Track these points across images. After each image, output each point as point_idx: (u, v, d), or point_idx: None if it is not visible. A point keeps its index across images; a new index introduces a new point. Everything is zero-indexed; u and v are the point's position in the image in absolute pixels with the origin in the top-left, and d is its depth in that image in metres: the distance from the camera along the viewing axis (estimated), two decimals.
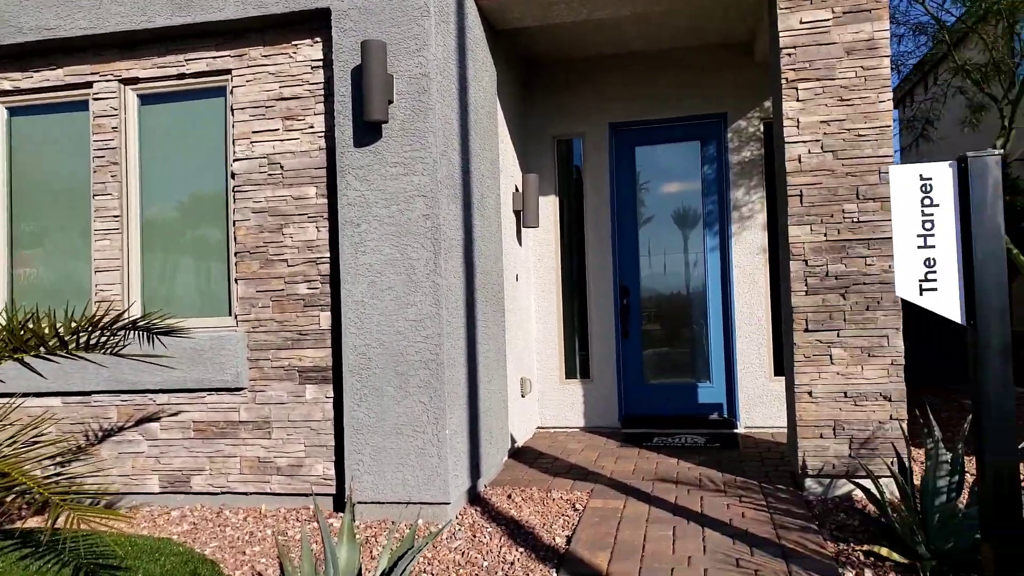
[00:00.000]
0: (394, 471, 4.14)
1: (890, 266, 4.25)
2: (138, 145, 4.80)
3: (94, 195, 4.77)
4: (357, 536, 3.89)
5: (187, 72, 4.65)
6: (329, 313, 4.42)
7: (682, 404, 6.40)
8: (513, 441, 5.65)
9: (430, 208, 4.11)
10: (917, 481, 4.13)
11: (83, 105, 4.85)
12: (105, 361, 4.45)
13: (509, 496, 4.55)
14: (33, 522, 4.44)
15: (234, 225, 4.56)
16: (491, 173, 5.15)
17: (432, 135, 4.11)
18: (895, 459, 4.16)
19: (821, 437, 4.31)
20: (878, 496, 3.57)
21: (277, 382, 4.49)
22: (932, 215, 2.71)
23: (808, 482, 4.35)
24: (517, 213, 6.00)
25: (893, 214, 2.75)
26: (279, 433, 4.48)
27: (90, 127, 4.80)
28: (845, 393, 4.29)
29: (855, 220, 4.31)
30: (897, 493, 4.13)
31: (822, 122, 4.37)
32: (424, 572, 3.47)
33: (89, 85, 4.80)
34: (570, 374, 6.60)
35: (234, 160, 4.56)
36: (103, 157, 4.76)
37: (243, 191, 4.54)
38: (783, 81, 4.42)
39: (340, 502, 4.41)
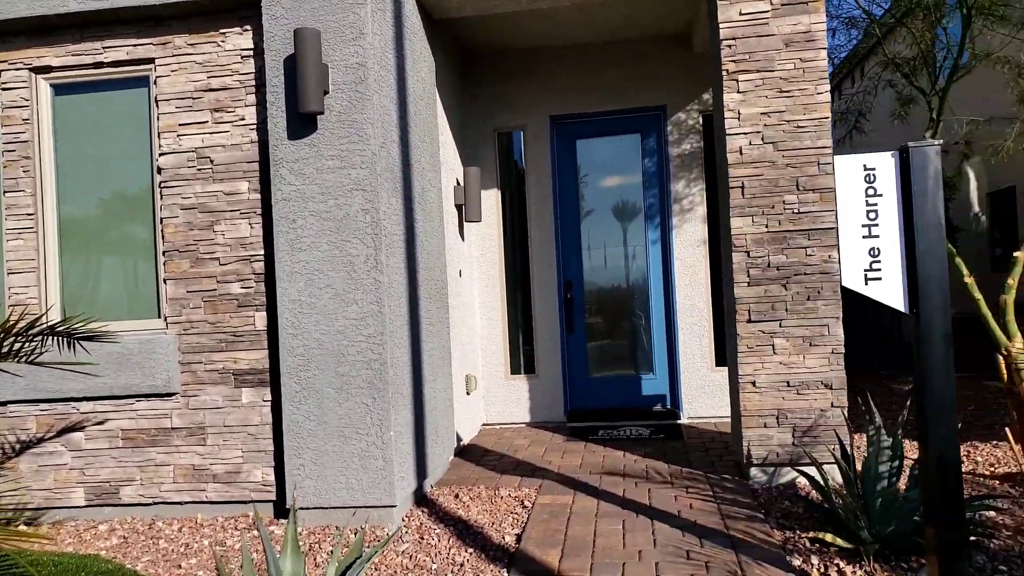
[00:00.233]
0: (337, 475, 4.00)
1: (830, 256, 4.32)
2: (52, 138, 4.50)
3: (5, 192, 4.45)
4: (301, 544, 3.74)
5: (105, 61, 4.38)
6: (265, 313, 4.23)
7: (626, 396, 6.42)
8: (459, 439, 5.56)
9: (369, 202, 3.98)
10: (859, 467, 4.22)
11: None
12: (20, 370, 4.16)
13: (456, 495, 4.46)
14: None
15: (162, 222, 4.33)
16: (432, 166, 5.03)
17: (370, 127, 3.98)
18: (837, 446, 4.23)
19: (765, 426, 4.36)
20: (822, 483, 3.62)
21: (211, 386, 4.29)
22: (876, 205, 2.73)
23: (753, 471, 4.40)
24: (459, 207, 5.89)
25: (839, 204, 2.76)
26: (215, 439, 4.29)
27: None
28: (788, 382, 4.35)
29: (795, 211, 4.37)
30: (840, 479, 4.21)
31: (762, 113, 4.40)
32: None
33: None
34: (515, 370, 6.54)
35: (160, 154, 4.32)
36: (14, 151, 4.45)
37: (171, 186, 4.30)
38: (724, 73, 4.43)
39: (281, 508, 4.24)
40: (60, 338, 3.46)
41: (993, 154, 5.68)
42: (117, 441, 4.34)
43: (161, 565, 3.67)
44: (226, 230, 4.26)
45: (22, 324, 3.29)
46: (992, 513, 3.75)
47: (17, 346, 3.26)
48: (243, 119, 4.24)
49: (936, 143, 2.66)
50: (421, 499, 4.42)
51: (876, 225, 2.73)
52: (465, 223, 6.11)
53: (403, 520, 4.09)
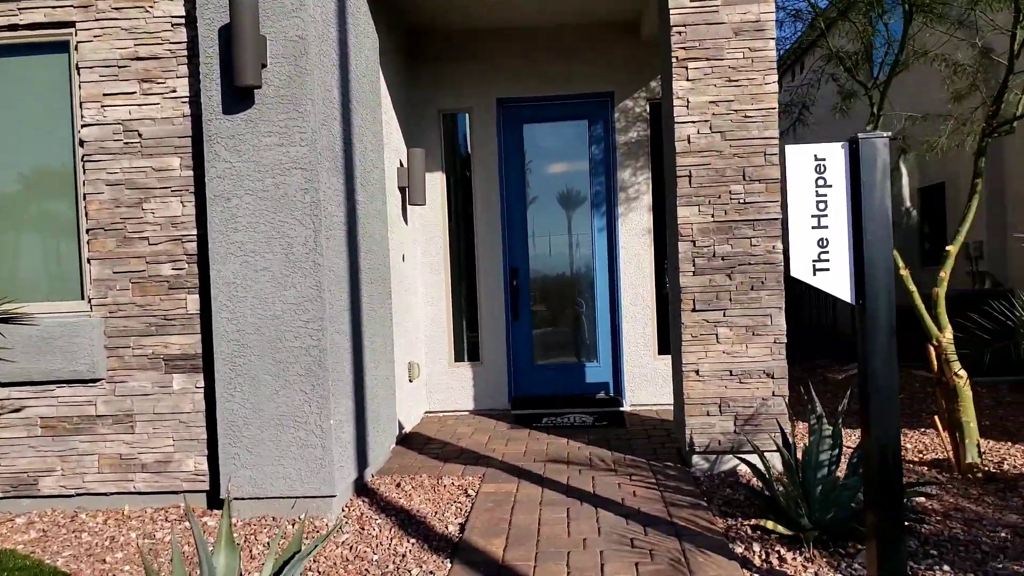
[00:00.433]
0: (274, 465, 3.85)
1: (774, 247, 4.36)
2: None
3: None
4: (236, 536, 3.59)
5: (20, 23, 4.08)
6: (198, 296, 4.04)
7: (570, 384, 6.41)
8: (401, 427, 5.45)
9: (309, 182, 3.82)
10: (799, 455, 4.29)
11: None
12: None
13: (398, 484, 4.36)
14: None
15: (85, 199, 4.07)
16: (375, 147, 4.88)
17: (311, 103, 3.81)
18: (778, 434, 4.29)
19: (708, 415, 4.39)
20: (763, 471, 3.66)
21: (140, 372, 4.07)
22: (826, 196, 2.73)
23: (695, 459, 4.43)
24: (402, 190, 5.75)
25: (789, 194, 2.75)
26: (144, 427, 4.08)
27: None
28: (731, 371, 4.38)
29: (742, 201, 4.39)
30: (780, 467, 4.27)
31: (711, 102, 4.40)
32: (309, 570, 3.24)
33: None
34: (459, 357, 6.45)
35: (83, 126, 4.06)
36: None
37: (95, 161, 4.05)
38: (673, 60, 4.41)
39: (215, 499, 4.07)
40: None
41: (928, 150, 5.83)
42: (36, 429, 4.09)
43: (84, 560, 3.48)
44: (156, 208, 4.04)
45: None
46: (922, 499, 3.86)
47: None
48: (174, 91, 4.02)
49: (885, 135, 2.68)
50: (362, 489, 4.31)
51: (825, 216, 2.73)
52: (409, 206, 5.98)
53: (343, 510, 3.97)
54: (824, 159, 2.75)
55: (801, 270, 2.74)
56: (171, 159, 4.03)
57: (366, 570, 3.24)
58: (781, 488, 3.56)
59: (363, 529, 3.70)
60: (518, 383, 6.45)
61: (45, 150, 4.17)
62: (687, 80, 4.41)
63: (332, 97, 4.07)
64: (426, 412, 6.39)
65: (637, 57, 6.20)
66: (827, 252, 2.73)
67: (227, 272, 3.86)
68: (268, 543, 3.53)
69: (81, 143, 4.07)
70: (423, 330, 6.38)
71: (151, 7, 4.04)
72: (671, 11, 4.38)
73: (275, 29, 3.81)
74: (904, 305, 8.23)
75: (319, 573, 3.21)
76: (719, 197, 4.40)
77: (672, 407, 6.09)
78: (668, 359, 6.17)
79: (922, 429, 5.40)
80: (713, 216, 4.40)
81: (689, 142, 4.42)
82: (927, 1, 4.75)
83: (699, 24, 4.37)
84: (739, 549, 3.26)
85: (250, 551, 3.46)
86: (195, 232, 4.04)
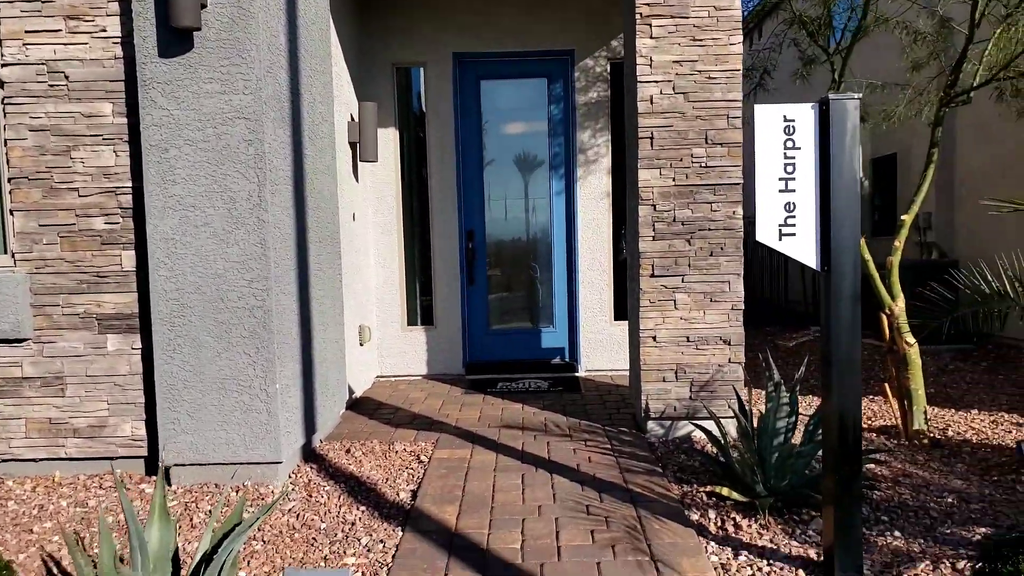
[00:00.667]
0: (216, 430, 3.68)
1: (735, 212, 4.30)
2: None
3: None
4: (174, 503, 3.43)
5: None
6: (133, 252, 3.79)
7: (526, 349, 6.32)
8: (352, 392, 5.30)
9: (253, 133, 3.59)
10: (754, 422, 4.29)
11: None
12: None
13: (348, 450, 4.23)
14: None
15: (6, 145, 3.76)
16: (324, 98, 4.64)
17: (255, 49, 3.56)
18: (735, 401, 4.28)
19: (664, 381, 4.35)
20: (719, 437, 3.63)
21: (71, 331, 3.83)
22: (794, 158, 2.65)
23: (650, 424, 4.40)
24: (353, 145, 5.52)
25: (757, 155, 2.66)
26: (75, 390, 3.85)
27: None
28: (688, 337, 4.34)
29: (703, 165, 4.30)
30: (734, 434, 4.27)
31: (675, 62, 4.27)
32: (253, 539, 3.11)
33: None
34: (412, 321, 6.30)
35: (2, 65, 3.73)
36: None
37: (16, 104, 3.74)
38: (637, 16, 4.26)
39: (154, 465, 3.88)
40: None
41: (885, 119, 5.83)
42: None
43: (9, 530, 3.27)
44: (86, 157, 3.76)
45: None
46: (872, 465, 3.90)
47: None
48: (104, 30, 3.71)
49: (856, 96, 2.60)
50: (310, 454, 4.17)
51: (793, 179, 2.66)
52: (360, 163, 5.75)
53: (290, 477, 3.83)
54: (793, 120, 2.66)
55: (767, 234, 2.67)
56: (102, 104, 3.74)
57: (313, 539, 3.12)
58: (736, 455, 3.54)
59: (311, 496, 3.57)
60: (473, 348, 6.34)
61: None
62: (651, 38, 4.28)
63: (279, 43, 3.83)
64: (378, 376, 6.25)
65: (599, 14, 6.02)
66: (794, 216, 2.66)
67: (165, 227, 3.63)
68: (210, 511, 3.38)
69: (1, 84, 3.75)
70: (375, 292, 6.21)
71: None
72: None
73: None
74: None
75: (264, 542, 3.08)
76: (681, 160, 4.31)
77: (627, 373, 6.08)
78: (624, 325, 6.13)
79: (870, 396, 5.48)
80: (674, 180, 4.32)
81: (651, 103, 4.31)
82: None
83: None
84: (695, 516, 3.23)
85: (191, 520, 3.30)
86: (130, 184, 3.78)
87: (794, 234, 2.65)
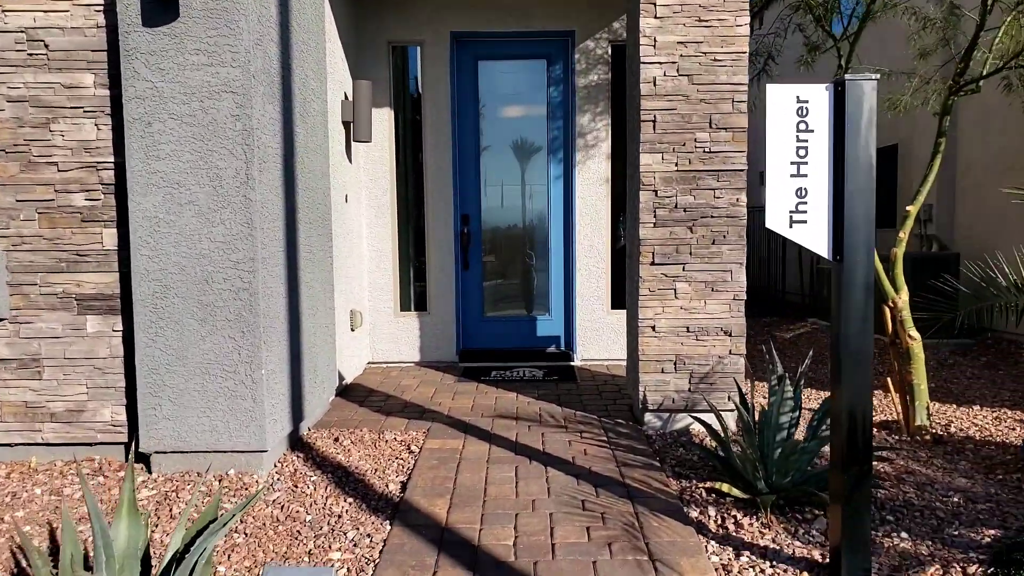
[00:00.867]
0: (199, 416, 3.55)
1: (738, 199, 4.17)
2: None
3: None
4: (154, 492, 3.30)
5: None
6: (115, 230, 3.65)
7: (521, 337, 6.20)
8: (341, 378, 5.17)
9: (241, 108, 3.44)
10: (756, 416, 4.18)
11: None
12: None
13: (336, 439, 4.11)
14: None
15: None
16: (316, 75, 4.48)
17: (244, 19, 3.40)
18: (735, 393, 4.17)
19: (662, 372, 4.23)
20: (719, 431, 3.53)
21: (49, 312, 3.68)
22: (807, 141, 2.52)
23: (648, 416, 4.28)
24: (347, 125, 5.36)
25: (768, 138, 2.53)
26: (53, 372, 3.71)
27: None
28: (688, 328, 4.22)
29: (707, 150, 4.17)
30: (733, 427, 4.17)
31: (679, 43, 4.13)
32: (236, 532, 2.98)
33: None
34: (405, 306, 6.17)
35: None
36: None
37: None
38: None
39: (136, 451, 3.74)
40: None
41: (890, 108, 5.69)
42: None
43: None
44: (67, 131, 3.60)
45: None
46: (875, 462, 3.79)
47: None
48: None
49: (874, 76, 2.47)
50: (297, 443, 4.04)
51: (805, 163, 2.53)
52: (353, 143, 5.60)
53: (276, 466, 3.71)
54: (807, 101, 2.53)
55: (777, 222, 2.54)
56: (83, 75, 3.58)
57: (298, 532, 3.00)
58: (738, 449, 3.43)
59: (296, 487, 3.45)
60: (467, 335, 6.21)
61: None
62: (655, 17, 4.13)
63: (269, 15, 3.67)
64: (369, 363, 6.12)
65: None
66: (805, 203, 2.53)
67: (148, 205, 3.48)
68: (190, 501, 3.24)
69: None
70: (367, 277, 6.07)
71: None
72: None
73: None
74: None
75: (246, 535, 2.96)
76: (684, 145, 4.18)
77: (624, 363, 5.97)
78: (621, 314, 6.01)
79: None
80: (677, 165, 4.18)
81: (655, 85, 4.16)
82: None
83: None
84: (694, 513, 3.12)
85: (170, 510, 3.18)
86: (112, 159, 3.62)
87: (805, 221, 2.53)
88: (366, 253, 6.04)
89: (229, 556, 2.78)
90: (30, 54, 3.56)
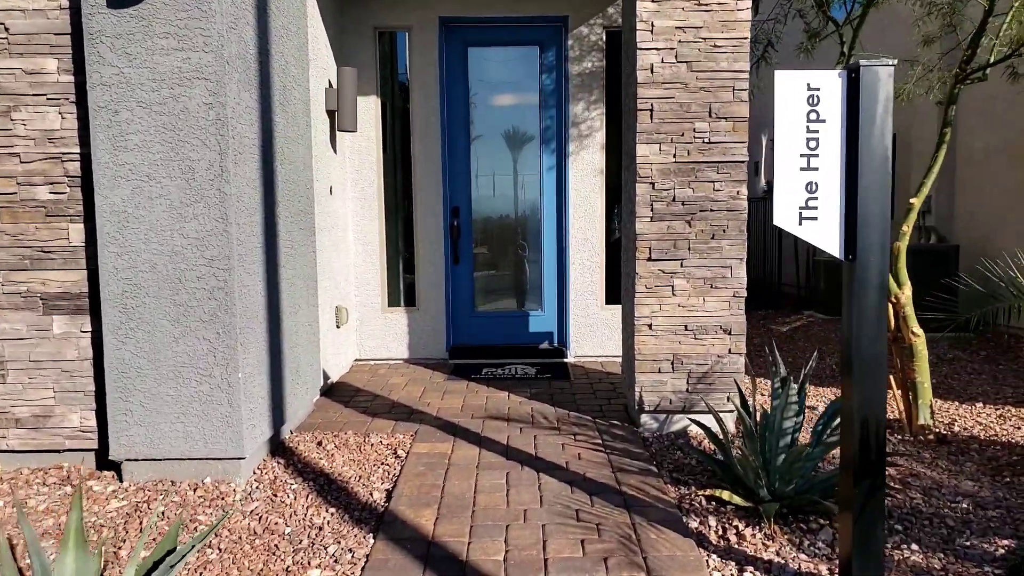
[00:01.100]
0: (173, 422, 3.37)
1: (739, 192, 4.00)
2: None
3: None
4: (124, 503, 3.12)
5: None
6: (82, 225, 3.45)
7: (513, 333, 6.03)
8: (326, 377, 4.99)
9: (214, 95, 3.24)
10: (757, 417, 4.03)
11: None
12: None
13: (320, 443, 3.94)
14: None
15: None
16: (298, 61, 4.28)
17: (217, 1, 3.20)
18: (734, 394, 4.02)
19: (659, 372, 4.07)
20: (718, 434, 3.37)
21: (12, 312, 3.49)
22: (818, 132, 2.35)
23: (644, 418, 4.13)
24: (331, 114, 5.16)
25: (776, 129, 2.36)
26: (17, 376, 3.52)
27: None
28: (686, 326, 4.06)
29: (706, 140, 3.99)
30: (732, 429, 4.01)
31: (678, 28, 3.95)
32: (209, 547, 2.81)
33: None
34: (394, 302, 5.98)
35: None
36: None
37: None
38: None
39: (106, 458, 3.55)
40: None
41: (893, 97, 5.53)
42: None
43: None
44: (28, 119, 3.40)
45: None
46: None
47: None
48: None
49: (891, 62, 2.29)
50: (278, 447, 3.87)
51: (816, 156, 2.36)
52: (338, 133, 5.39)
53: (254, 473, 3.53)
54: (818, 89, 2.35)
55: (785, 218, 2.37)
56: (46, 61, 3.38)
57: (276, 546, 2.83)
58: (737, 453, 3.28)
59: (276, 496, 3.28)
60: (457, 331, 6.04)
61: None
62: (652, 1, 3.94)
63: None
64: (356, 360, 5.94)
65: None
66: (816, 198, 2.36)
67: (115, 198, 3.28)
68: (163, 512, 3.07)
69: None
70: (353, 272, 5.88)
71: None
72: None
73: None
74: None
75: (220, 550, 2.79)
76: (682, 135, 4.00)
77: (618, 360, 5.81)
78: (615, 309, 5.85)
79: None
80: (675, 156, 4.01)
81: (652, 72, 3.98)
82: None
83: None
84: (694, 523, 2.97)
85: (140, 522, 3.00)
86: (78, 150, 3.42)
87: (816, 218, 2.36)
88: (352, 247, 5.85)
89: (201, 574, 2.61)
90: None
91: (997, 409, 4.69)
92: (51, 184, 3.42)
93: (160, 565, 1.76)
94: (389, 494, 3.29)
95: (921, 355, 4.24)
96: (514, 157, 5.99)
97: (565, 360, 5.87)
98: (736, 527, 2.92)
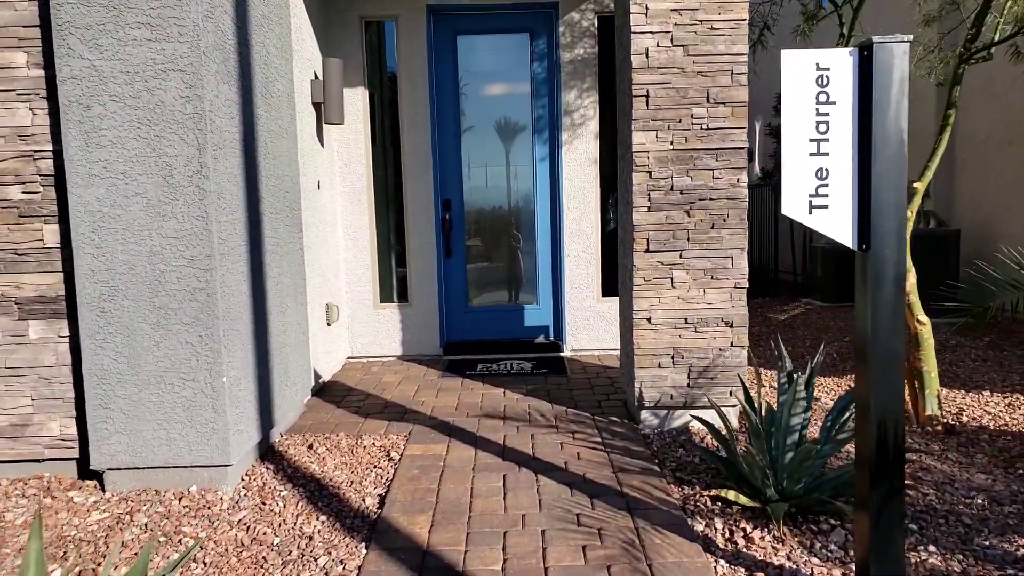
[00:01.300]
0: (156, 429, 3.23)
1: (739, 180, 3.87)
2: None
3: None
4: (106, 515, 2.99)
5: None
6: (57, 226, 3.30)
7: (507, 328, 5.90)
8: (318, 377, 4.86)
9: (191, 88, 3.09)
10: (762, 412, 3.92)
11: None
12: None
13: (310, 446, 3.81)
14: None
15: None
16: (281, 52, 4.12)
17: None
18: (737, 388, 3.90)
19: (659, 366, 3.95)
20: (721, 430, 3.26)
21: None
22: (828, 115, 2.22)
23: (644, 414, 4.01)
24: (317, 106, 5.00)
25: (784, 112, 2.23)
26: None
27: None
28: (686, 319, 3.93)
29: (704, 127, 3.86)
30: (735, 425, 3.90)
31: (673, 10, 3.80)
32: (195, 561, 2.68)
33: None
34: (386, 297, 5.84)
35: None
36: None
37: None
38: None
39: (87, 467, 3.41)
40: None
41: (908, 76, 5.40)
42: None
43: None
44: None
45: None
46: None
47: None
48: None
49: (906, 39, 2.16)
50: (267, 452, 3.74)
51: (826, 140, 2.23)
52: (325, 125, 5.24)
53: (242, 480, 3.40)
54: (828, 69, 2.22)
55: (794, 207, 2.24)
56: (14, 54, 3.22)
57: (263, 558, 2.70)
58: (742, 449, 3.16)
59: (264, 504, 3.15)
60: (451, 326, 5.91)
61: None
62: None
63: None
64: (348, 358, 5.80)
65: None
66: (826, 185, 2.24)
67: (90, 197, 3.13)
68: (146, 524, 2.94)
69: None
70: (343, 268, 5.73)
71: None
72: None
73: None
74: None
75: (205, 564, 2.66)
76: (679, 122, 3.86)
77: (615, 353, 5.69)
78: (612, 301, 5.73)
79: None
80: (672, 144, 3.87)
81: (647, 56, 3.84)
82: None
83: None
84: (699, 526, 2.85)
85: (122, 535, 2.86)
86: (51, 147, 3.27)
87: (827, 206, 2.23)
88: (342, 242, 5.71)
89: None
90: None
91: (1005, 397, 4.59)
92: (23, 183, 3.27)
93: None
94: (382, 500, 3.16)
95: (927, 344, 4.13)
96: (506, 148, 5.85)
97: (561, 354, 5.75)
98: (744, 529, 2.81)
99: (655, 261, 3.91)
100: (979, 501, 3.07)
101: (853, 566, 2.52)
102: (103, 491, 3.29)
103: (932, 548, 2.66)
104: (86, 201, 3.13)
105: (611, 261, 5.74)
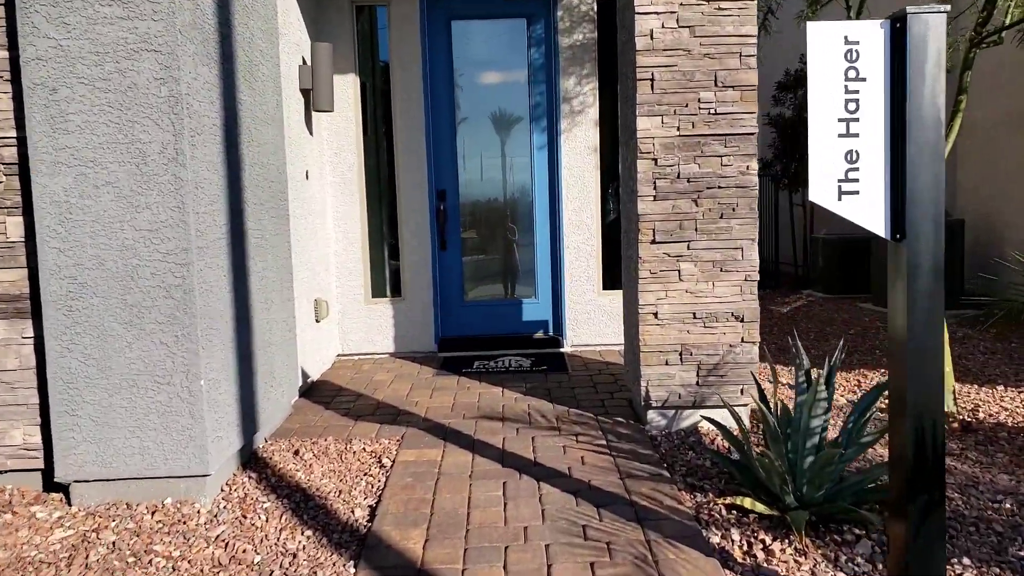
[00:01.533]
0: (127, 437, 3.02)
1: (748, 167, 3.67)
2: None
3: None
4: (71, 532, 2.78)
5: None
6: (21, 218, 3.07)
7: (505, 323, 5.70)
8: (306, 376, 4.65)
9: (166, 69, 2.86)
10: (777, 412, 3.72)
11: None
12: None
13: (297, 452, 3.60)
14: None
15: None
16: (266, 34, 3.90)
17: None
18: (749, 386, 3.70)
19: (667, 364, 3.75)
20: (733, 431, 3.06)
21: None
22: (858, 93, 2.01)
23: (651, 414, 3.81)
24: (306, 93, 4.78)
25: (810, 90, 2.02)
26: None
27: None
28: (694, 314, 3.74)
29: (712, 112, 3.66)
30: (748, 425, 3.71)
31: None
32: None
33: None
34: (378, 292, 5.63)
35: None
36: None
37: None
38: None
39: (52, 479, 3.18)
40: None
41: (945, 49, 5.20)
42: None
43: None
44: None
45: None
46: None
47: None
48: None
49: (942, 9, 1.96)
50: (250, 459, 3.53)
51: (856, 120, 2.02)
52: (314, 113, 5.01)
53: (222, 490, 3.19)
54: (857, 42, 2.02)
55: (822, 193, 2.04)
56: None
57: None
58: (756, 451, 2.97)
59: (245, 517, 2.94)
60: (446, 322, 5.70)
61: None
62: None
63: None
64: (338, 355, 5.59)
65: None
66: (856, 169, 2.03)
67: (56, 187, 2.91)
68: (114, 544, 2.73)
69: None
70: (334, 261, 5.52)
71: None
72: None
73: None
74: (851, 234, 7.72)
75: None
76: (686, 106, 3.66)
77: (617, 348, 5.50)
78: (614, 295, 5.53)
79: (881, 369, 4.96)
80: (679, 129, 3.67)
81: (652, 38, 3.63)
82: None
83: None
84: (715, 538, 2.65)
85: (87, 556, 2.65)
86: (14, 134, 3.04)
87: (857, 192, 2.03)
88: (332, 235, 5.49)
89: None
90: None
91: (1020, 392, 4.42)
92: None
93: None
94: (373, 511, 2.96)
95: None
96: (503, 136, 5.63)
97: (561, 350, 5.55)
98: (763, 541, 2.62)
99: (661, 253, 3.71)
100: (1007, 505, 2.89)
101: None
102: (69, 505, 3.07)
103: (967, 560, 2.47)
104: (52, 191, 2.91)
105: (612, 253, 5.55)
